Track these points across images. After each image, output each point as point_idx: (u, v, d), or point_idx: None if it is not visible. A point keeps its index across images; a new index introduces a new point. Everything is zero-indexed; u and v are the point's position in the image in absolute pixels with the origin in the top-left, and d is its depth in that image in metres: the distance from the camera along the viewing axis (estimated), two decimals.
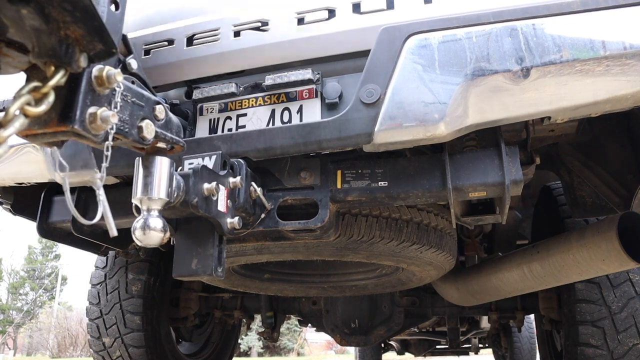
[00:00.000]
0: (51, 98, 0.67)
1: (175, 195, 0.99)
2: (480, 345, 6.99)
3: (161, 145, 0.97)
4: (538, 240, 1.85)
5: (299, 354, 30.74)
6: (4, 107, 1.54)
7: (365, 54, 1.23)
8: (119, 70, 0.77)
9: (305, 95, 1.31)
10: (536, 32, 1.11)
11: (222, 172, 1.16)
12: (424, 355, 7.35)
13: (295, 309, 3.14)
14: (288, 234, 1.36)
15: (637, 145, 1.58)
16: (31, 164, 1.49)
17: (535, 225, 2.61)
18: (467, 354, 8.12)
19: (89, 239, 1.64)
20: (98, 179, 0.85)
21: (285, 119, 1.31)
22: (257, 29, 1.42)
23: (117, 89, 0.80)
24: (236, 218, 1.17)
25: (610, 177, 1.69)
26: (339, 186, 1.35)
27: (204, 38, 1.46)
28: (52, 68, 0.67)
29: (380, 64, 1.18)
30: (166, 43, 1.47)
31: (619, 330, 1.92)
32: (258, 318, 3.36)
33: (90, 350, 2.66)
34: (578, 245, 1.59)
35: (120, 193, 1.51)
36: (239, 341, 15.73)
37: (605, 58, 1.07)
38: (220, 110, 1.39)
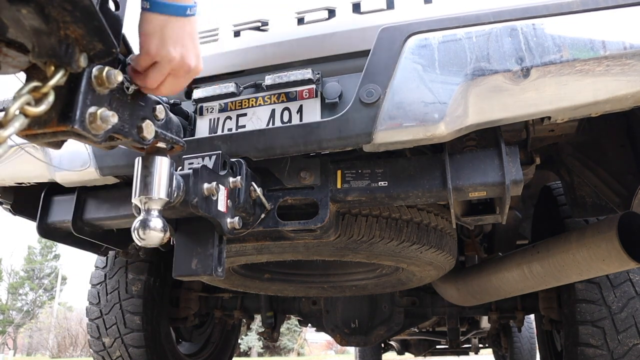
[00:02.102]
0: (51, 98, 0.67)
1: (175, 195, 0.99)
2: (480, 345, 6.99)
3: (161, 145, 0.97)
4: (538, 240, 1.85)
5: (299, 354, 30.74)
6: (4, 107, 1.54)
7: (365, 54, 1.23)
8: (118, 70, 0.77)
9: (305, 95, 1.31)
10: (536, 32, 1.11)
11: (222, 172, 1.16)
12: (424, 355, 7.35)
13: (295, 309, 3.14)
14: (288, 234, 1.36)
15: (637, 145, 1.58)
16: (31, 164, 1.49)
17: (535, 225, 2.61)
18: (467, 354, 8.12)
19: (89, 239, 1.64)
20: None
21: (285, 118, 1.31)
22: (257, 28, 1.42)
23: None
24: (236, 218, 1.17)
25: (610, 177, 1.69)
26: (339, 186, 1.35)
27: (203, 38, 1.46)
28: (52, 68, 0.67)
29: (380, 64, 1.18)
30: None
31: (619, 330, 1.92)
32: (258, 318, 3.36)
33: (90, 350, 2.67)
34: (578, 245, 1.59)
35: (120, 193, 1.51)
36: (239, 341, 15.74)
37: (605, 58, 1.07)
38: (220, 110, 1.39)
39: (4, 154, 0.61)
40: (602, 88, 1.10)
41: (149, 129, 0.87)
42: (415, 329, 4.93)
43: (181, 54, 0.86)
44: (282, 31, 1.38)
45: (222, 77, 1.46)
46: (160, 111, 0.92)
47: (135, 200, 0.95)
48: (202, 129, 1.40)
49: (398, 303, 2.93)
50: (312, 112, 1.29)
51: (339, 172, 1.36)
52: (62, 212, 1.58)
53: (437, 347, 6.95)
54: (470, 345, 6.91)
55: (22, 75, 0.72)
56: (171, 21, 0.83)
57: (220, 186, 1.11)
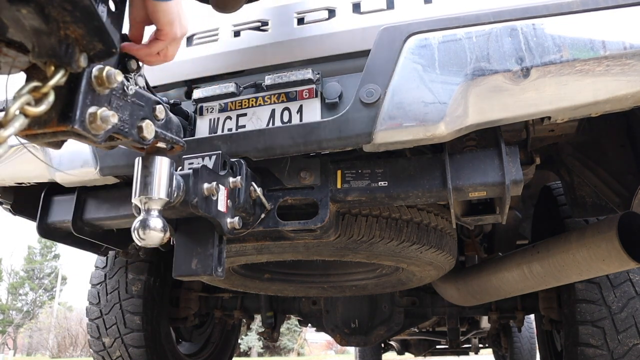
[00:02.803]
0: (51, 98, 0.67)
1: (175, 195, 0.99)
2: (480, 345, 6.99)
3: (161, 145, 0.97)
4: (538, 240, 1.85)
5: (299, 354, 30.74)
6: (4, 107, 1.54)
7: (365, 54, 1.23)
8: (118, 70, 0.77)
9: (305, 95, 1.31)
10: (536, 32, 1.11)
11: (222, 172, 1.16)
12: (424, 355, 7.35)
13: (295, 309, 3.14)
14: (288, 234, 1.36)
15: (637, 145, 1.58)
16: (31, 164, 1.49)
17: (535, 225, 2.61)
18: (467, 354, 8.12)
19: (89, 239, 1.64)
20: None
21: (285, 118, 1.31)
22: (257, 28, 1.42)
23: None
24: (236, 218, 1.17)
25: (610, 177, 1.69)
26: (339, 186, 1.35)
27: (203, 38, 1.46)
28: (52, 68, 0.67)
29: (380, 64, 1.18)
30: None
31: (619, 330, 1.92)
32: (258, 318, 3.36)
33: (90, 350, 2.67)
34: (578, 245, 1.59)
35: (120, 193, 1.51)
36: (239, 341, 15.74)
37: (605, 58, 1.07)
38: (220, 110, 1.39)
39: (4, 154, 0.61)
40: (602, 88, 1.10)
41: (149, 129, 0.87)
42: (415, 329, 4.93)
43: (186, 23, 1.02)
44: (282, 31, 1.38)
45: (222, 77, 1.46)
46: (160, 111, 0.92)
47: (135, 200, 0.95)
48: (202, 129, 1.40)
49: (398, 303, 2.93)
50: (312, 112, 1.29)
51: (339, 172, 1.36)
52: (62, 212, 1.58)
53: (437, 347, 6.95)
54: (470, 345, 6.91)
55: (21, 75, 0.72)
56: (179, 2, 0.95)
57: (220, 186, 1.11)
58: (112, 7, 0.75)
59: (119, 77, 0.76)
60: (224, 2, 1.19)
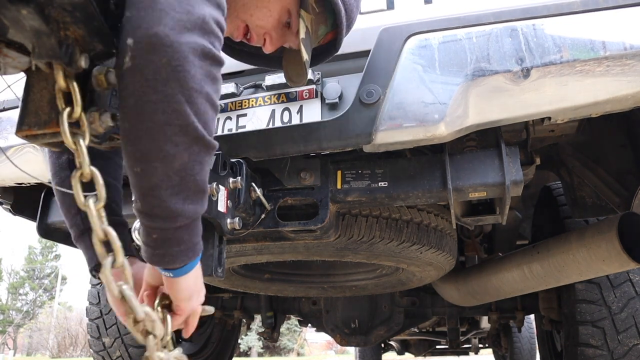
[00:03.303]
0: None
1: None
2: (480, 345, 6.99)
3: None
4: (538, 240, 1.85)
5: (299, 354, 30.74)
6: (3, 107, 1.54)
7: (365, 54, 1.23)
8: None
9: (305, 95, 1.31)
10: (536, 32, 1.11)
11: (222, 173, 1.16)
12: (424, 355, 7.34)
13: (295, 309, 3.14)
14: (288, 234, 1.36)
15: (637, 145, 1.58)
16: (31, 164, 1.49)
17: (535, 225, 2.61)
18: (467, 354, 8.11)
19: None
20: None
21: (285, 119, 1.31)
22: None
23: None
24: (236, 218, 1.17)
25: (610, 177, 1.69)
26: (339, 186, 1.35)
27: None
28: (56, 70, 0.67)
29: (380, 64, 1.18)
30: None
31: (619, 331, 1.92)
32: (258, 318, 3.36)
33: (90, 350, 2.66)
34: (578, 245, 1.59)
35: None
36: (239, 341, 15.72)
37: (605, 58, 1.07)
38: (221, 111, 1.39)
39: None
40: (603, 89, 1.10)
41: None
42: (415, 329, 4.93)
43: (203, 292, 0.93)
44: None
45: (222, 77, 1.46)
46: None
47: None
48: None
49: (398, 303, 2.92)
50: (312, 113, 1.29)
51: (339, 173, 1.36)
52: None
53: (437, 347, 6.95)
54: (470, 345, 6.91)
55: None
56: (194, 274, 0.86)
57: (220, 186, 1.11)
58: (112, 7, 0.75)
59: None
60: (294, 79, 1.16)
